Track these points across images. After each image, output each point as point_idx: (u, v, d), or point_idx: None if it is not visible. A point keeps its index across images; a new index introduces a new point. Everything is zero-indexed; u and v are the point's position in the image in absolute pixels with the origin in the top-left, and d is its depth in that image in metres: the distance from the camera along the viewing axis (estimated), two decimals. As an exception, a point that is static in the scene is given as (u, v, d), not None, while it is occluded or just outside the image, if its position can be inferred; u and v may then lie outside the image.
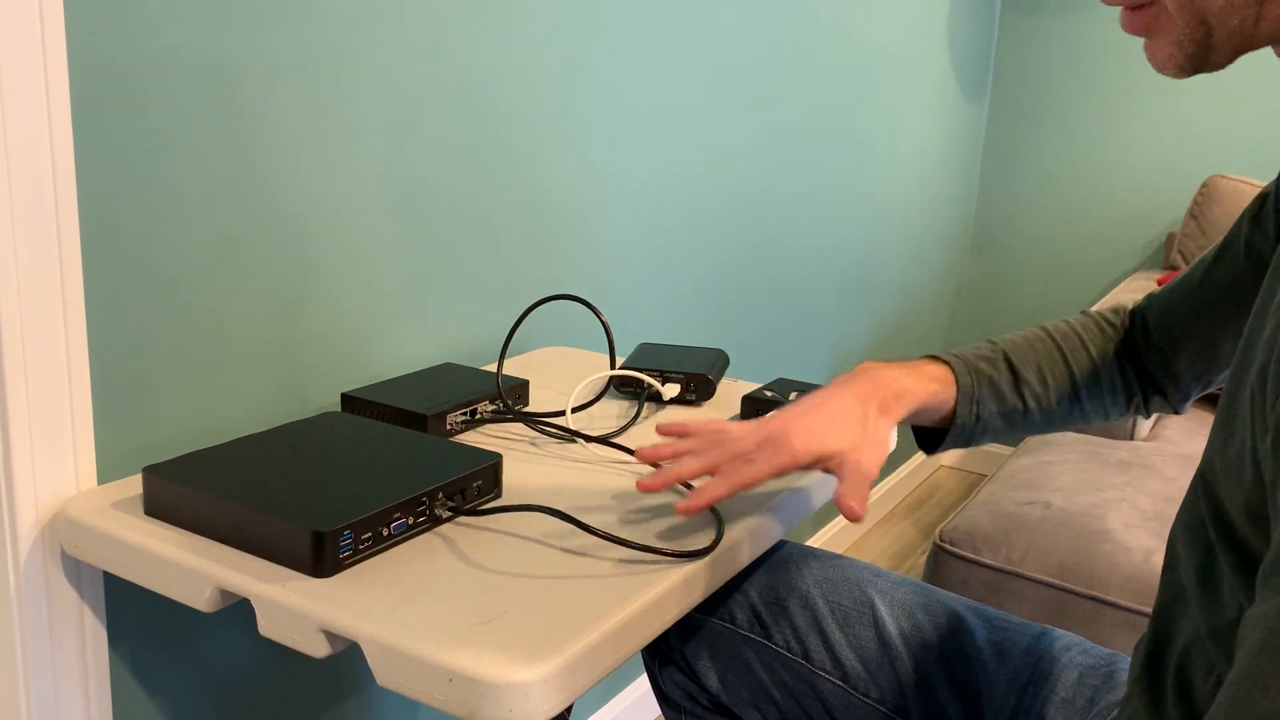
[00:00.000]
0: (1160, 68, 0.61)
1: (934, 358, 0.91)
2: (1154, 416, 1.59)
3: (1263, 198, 0.81)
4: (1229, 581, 0.57)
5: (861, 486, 0.77)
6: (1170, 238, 2.54)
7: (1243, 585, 0.56)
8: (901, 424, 0.87)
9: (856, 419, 0.81)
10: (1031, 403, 0.91)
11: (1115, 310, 0.95)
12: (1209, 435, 0.63)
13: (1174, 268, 2.45)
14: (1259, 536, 0.54)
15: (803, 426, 0.79)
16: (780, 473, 0.77)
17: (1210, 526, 0.59)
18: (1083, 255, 2.72)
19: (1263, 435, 0.52)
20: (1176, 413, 0.95)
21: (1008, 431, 0.92)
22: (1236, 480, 0.56)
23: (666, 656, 0.97)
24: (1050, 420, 0.93)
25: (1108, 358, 0.92)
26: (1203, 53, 0.59)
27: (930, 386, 0.88)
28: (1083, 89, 2.64)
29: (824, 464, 0.79)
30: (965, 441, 0.93)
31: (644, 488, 0.75)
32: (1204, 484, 0.61)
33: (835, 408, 0.82)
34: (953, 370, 0.90)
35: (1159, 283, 2.30)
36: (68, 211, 0.78)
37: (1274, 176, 2.33)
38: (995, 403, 0.91)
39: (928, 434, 0.94)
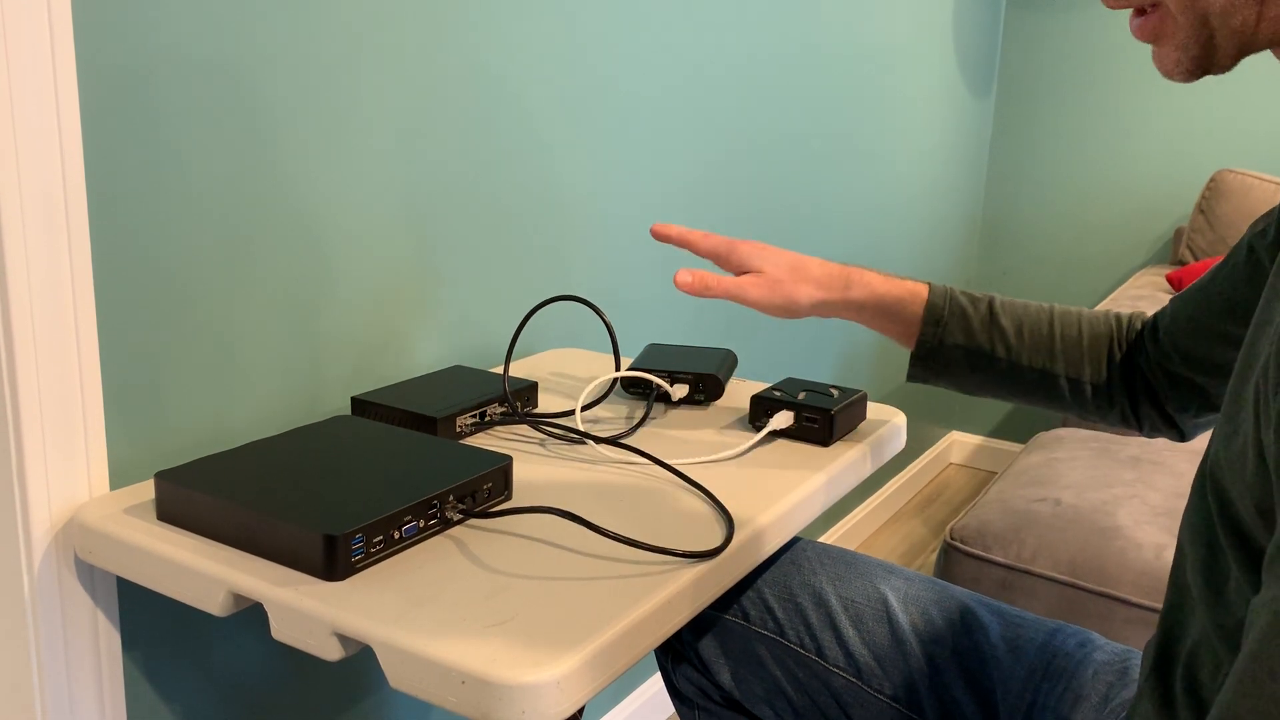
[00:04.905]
0: (1168, 74, 0.62)
1: (926, 282, 0.95)
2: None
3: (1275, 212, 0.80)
4: (1235, 578, 0.57)
5: (718, 280, 0.91)
6: (1179, 232, 2.53)
7: (1249, 581, 0.56)
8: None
9: (798, 266, 0.93)
10: (1000, 350, 0.91)
11: (1134, 313, 0.94)
12: (1213, 432, 0.63)
13: (1182, 263, 2.44)
14: (1264, 530, 0.54)
15: (766, 249, 0.94)
16: (718, 245, 0.94)
17: (1216, 523, 0.59)
18: (1091, 251, 2.71)
19: (1266, 427, 0.52)
20: (1180, 434, 0.91)
21: (973, 376, 0.92)
22: (1241, 474, 0.56)
23: (679, 653, 0.97)
24: (1020, 380, 0.92)
25: (1100, 342, 0.91)
26: (1207, 55, 0.60)
27: (897, 290, 0.94)
28: (1089, 84, 2.63)
29: (739, 265, 0.93)
30: (932, 369, 0.93)
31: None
32: (1210, 481, 0.61)
33: (803, 257, 0.94)
34: (930, 290, 0.93)
35: (1167, 278, 2.29)
36: (78, 217, 0.79)
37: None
38: (962, 335, 0.91)
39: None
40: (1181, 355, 0.86)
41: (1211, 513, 0.60)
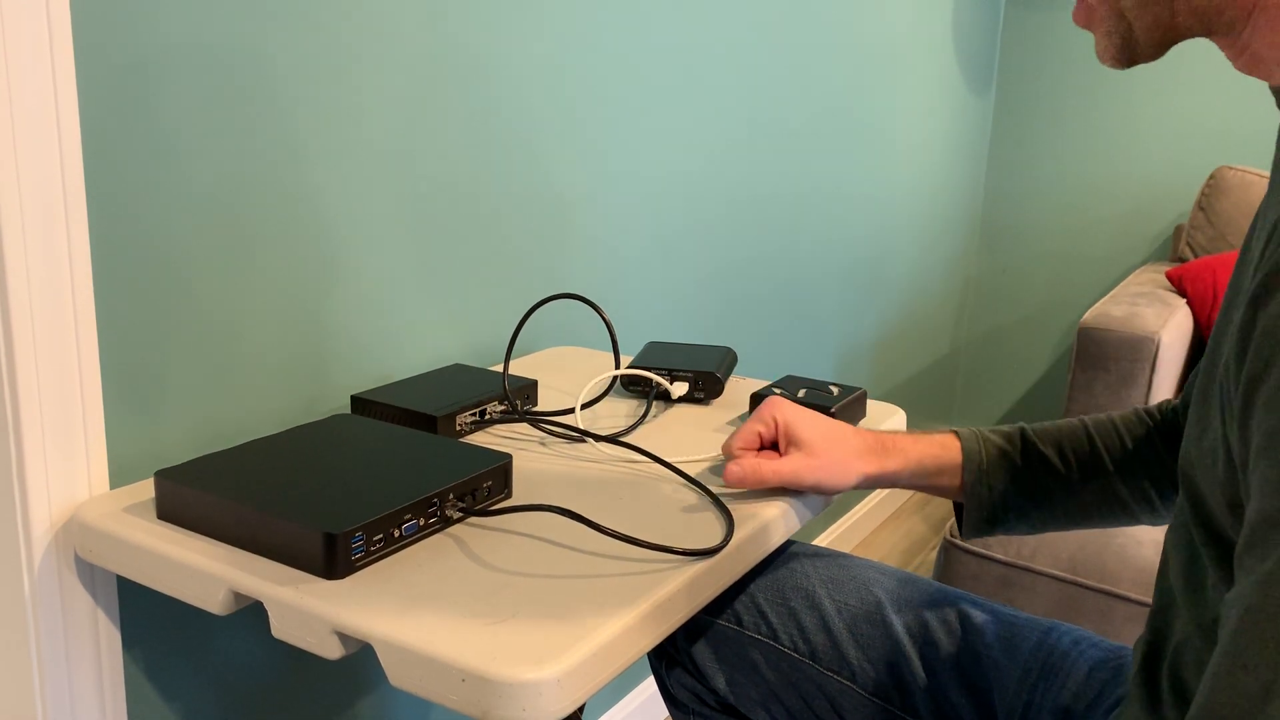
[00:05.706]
0: (1100, 59, 0.65)
1: (952, 430, 0.90)
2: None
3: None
4: (1212, 576, 0.57)
5: (773, 470, 0.83)
6: (1178, 230, 2.53)
7: (1224, 578, 0.56)
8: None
9: (839, 436, 0.86)
10: (1050, 480, 0.87)
11: (1160, 403, 0.91)
12: (1185, 431, 0.64)
13: (1182, 259, 2.44)
14: (1236, 526, 0.55)
15: (795, 406, 0.87)
16: (756, 426, 0.86)
17: (1191, 522, 0.60)
18: (1091, 248, 2.71)
19: (1230, 423, 0.53)
20: None
21: (1035, 512, 0.89)
22: (1211, 471, 0.57)
23: (673, 658, 0.97)
24: (1080, 504, 0.88)
25: (1144, 442, 0.87)
26: (1129, 45, 0.63)
27: (930, 449, 0.88)
28: (1089, 82, 2.63)
29: (785, 437, 0.85)
30: (990, 518, 0.89)
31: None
32: (1183, 479, 0.62)
33: (834, 422, 0.87)
34: (959, 438, 0.89)
35: (1167, 275, 2.29)
36: (77, 215, 0.79)
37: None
38: (1008, 475, 0.88)
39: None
40: None
41: (1187, 512, 0.61)
